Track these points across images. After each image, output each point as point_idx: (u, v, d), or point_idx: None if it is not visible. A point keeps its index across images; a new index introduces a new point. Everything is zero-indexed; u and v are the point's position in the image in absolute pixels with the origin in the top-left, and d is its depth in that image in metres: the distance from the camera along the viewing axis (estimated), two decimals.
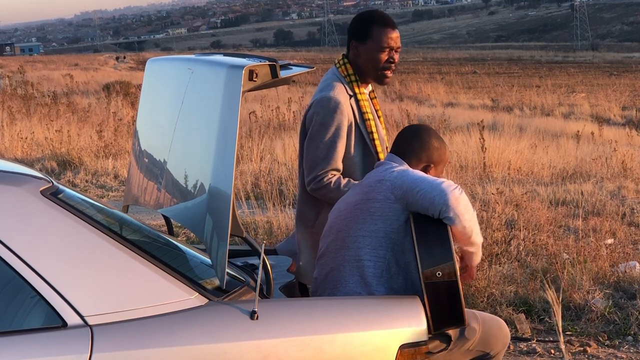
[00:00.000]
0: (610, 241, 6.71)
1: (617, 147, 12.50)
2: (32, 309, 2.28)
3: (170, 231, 3.54)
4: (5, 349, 2.21)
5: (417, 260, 2.70)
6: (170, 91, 3.20)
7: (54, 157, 11.59)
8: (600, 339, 4.94)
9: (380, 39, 3.51)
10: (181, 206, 3.00)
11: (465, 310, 2.76)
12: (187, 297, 2.38)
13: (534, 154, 12.34)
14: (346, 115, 3.47)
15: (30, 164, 10.25)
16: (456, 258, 2.76)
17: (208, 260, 2.70)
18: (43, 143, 12.59)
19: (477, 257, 2.99)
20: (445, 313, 2.70)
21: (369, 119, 3.54)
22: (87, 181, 10.45)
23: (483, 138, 10.77)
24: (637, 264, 5.95)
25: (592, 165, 11.49)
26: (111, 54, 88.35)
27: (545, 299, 4.36)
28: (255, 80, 2.66)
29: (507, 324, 3.32)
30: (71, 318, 2.26)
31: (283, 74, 2.78)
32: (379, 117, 3.66)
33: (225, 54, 3.10)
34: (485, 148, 10.66)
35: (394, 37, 3.54)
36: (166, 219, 3.51)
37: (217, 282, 2.54)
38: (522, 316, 5.10)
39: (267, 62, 2.72)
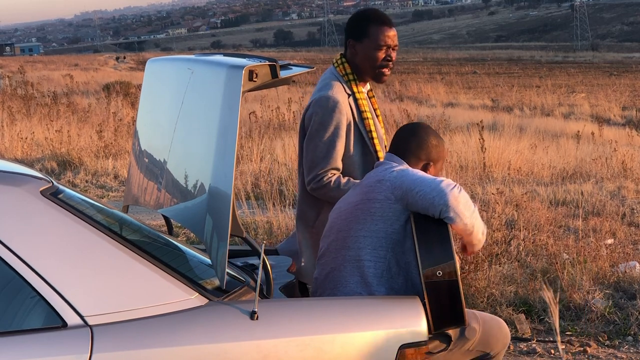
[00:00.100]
0: (610, 241, 6.71)
1: (617, 147, 12.50)
2: (32, 309, 2.28)
3: (170, 231, 3.54)
4: (5, 349, 2.21)
5: (418, 259, 2.70)
6: (170, 91, 3.20)
7: (54, 157, 11.59)
8: (600, 339, 4.94)
9: (377, 37, 3.52)
10: (181, 206, 2.99)
11: (466, 310, 2.76)
12: (187, 297, 2.38)
13: (534, 154, 12.34)
14: (345, 114, 3.47)
15: (30, 164, 10.25)
16: (456, 258, 2.76)
17: (208, 260, 2.70)
18: (43, 143, 12.59)
19: (479, 246, 2.98)
20: (446, 312, 2.71)
21: (367, 118, 3.54)
22: (87, 181, 10.45)
23: (483, 138, 10.78)
24: (637, 264, 5.95)
25: (592, 165, 11.49)
26: (111, 54, 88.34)
27: (553, 299, 4.36)
28: (255, 81, 2.66)
29: (507, 324, 3.32)
30: (71, 318, 2.26)
31: (283, 74, 2.78)
32: (377, 116, 3.67)
33: (225, 54, 3.10)
34: (485, 148, 10.66)
35: (391, 35, 3.54)
36: (166, 219, 3.51)
37: (217, 282, 2.54)
38: (522, 316, 5.10)
39: (267, 62, 2.72)
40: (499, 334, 3.15)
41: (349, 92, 3.54)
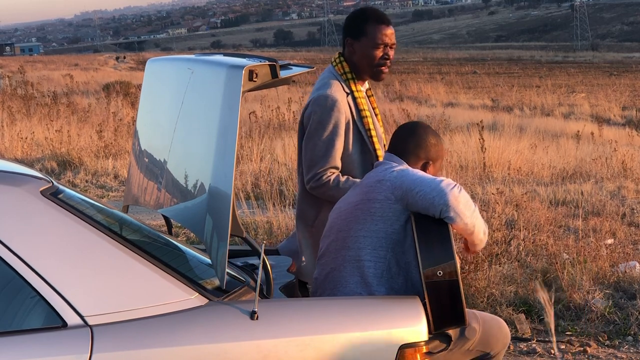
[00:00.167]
0: (610, 241, 6.71)
1: (617, 147, 12.50)
2: (32, 309, 2.28)
3: (170, 231, 3.54)
4: (5, 349, 2.21)
5: (418, 259, 2.70)
6: (170, 91, 3.20)
7: (54, 157, 11.59)
8: (600, 339, 4.94)
9: (374, 35, 3.52)
10: (181, 206, 2.99)
11: (466, 310, 2.76)
12: (187, 297, 2.38)
13: (534, 154, 12.34)
14: (343, 112, 3.48)
15: (30, 164, 10.25)
16: (457, 258, 2.76)
17: (208, 260, 2.70)
18: (43, 143, 12.59)
19: (481, 246, 2.99)
20: (446, 312, 2.71)
21: (366, 116, 3.54)
22: (87, 181, 10.45)
23: (483, 138, 10.78)
24: (637, 264, 5.95)
25: (592, 165, 11.49)
26: (111, 54, 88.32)
27: (548, 300, 4.37)
28: (255, 80, 2.66)
29: (507, 324, 3.32)
30: (71, 318, 2.26)
31: (283, 74, 2.78)
32: (376, 115, 3.67)
33: (225, 54, 3.10)
34: (485, 148, 10.66)
35: (389, 33, 3.55)
36: (166, 219, 3.51)
37: (217, 282, 2.54)
38: (522, 316, 5.10)
39: (267, 62, 2.72)
40: (499, 334, 3.15)
41: (348, 91, 3.54)
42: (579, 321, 5.13)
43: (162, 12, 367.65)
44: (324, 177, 3.44)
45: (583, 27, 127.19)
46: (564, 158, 12.42)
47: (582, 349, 4.82)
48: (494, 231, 6.43)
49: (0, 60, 55.87)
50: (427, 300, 2.66)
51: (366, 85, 3.68)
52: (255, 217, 7.55)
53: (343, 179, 3.45)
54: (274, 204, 7.69)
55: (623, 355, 4.75)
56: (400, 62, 64.41)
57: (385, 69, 3.57)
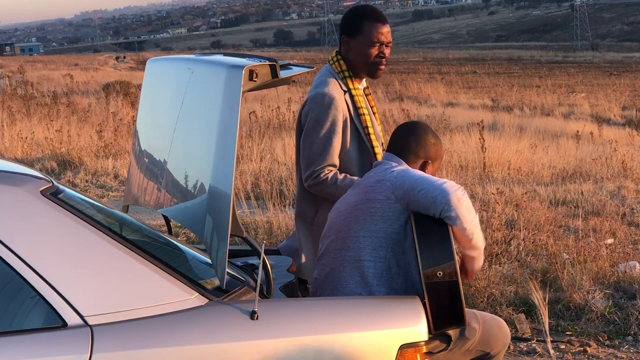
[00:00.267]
0: (610, 241, 6.71)
1: (617, 147, 12.50)
2: (32, 309, 2.28)
3: (170, 231, 3.54)
4: (5, 349, 2.21)
5: (418, 260, 2.70)
6: (170, 91, 3.20)
7: (54, 157, 11.59)
8: (600, 339, 4.94)
9: (370, 33, 3.53)
10: (181, 206, 2.99)
11: (466, 310, 2.76)
12: (187, 297, 2.38)
13: (534, 154, 12.34)
14: (341, 110, 3.48)
15: (30, 164, 10.24)
16: (457, 258, 2.76)
17: (208, 260, 2.70)
18: (43, 143, 12.59)
19: (478, 263, 2.97)
20: (446, 313, 2.71)
21: (363, 114, 3.55)
22: (87, 181, 10.45)
23: (483, 138, 10.78)
24: (637, 264, 5.95)
25: (592, 165, 11.49)
26: (111, 54, 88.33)
27: (544, 299, 4.38)
28: (255, 80, 2.66)
29: (507, 324, 3.32)
30: (71, 318, 2.26)
31: (283, 74, 2.78)
32: (374, 113, 3.68)
33: (225, 54, 3.10)
34: (485, 148, 10.66)
35: (384, 31, 3.55)
36: (166, 219, 3.51)
37: (217, 282, 2.54)
38: (522, 316, 5.10)
39: (267, 62, 2.72)
40: (499, 334, 3.15)
41: (345, 89, 3.55)
42: (579, 321, 5.13)
43: (162, 12, 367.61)
44: (322, 175, 3.44)
45: (583, 27, 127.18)
46: (564, 158, 12.42)
47: (582, 349, 4.82)
48: (494, 231, 6.43)
49: (0, 60, 55.86)
50: (426, 301, 2.65)
51: (364, 83, 3.68)
52: (255, 217, 7.55)
53: (341, 176, 3.45)
54: (274, 204, 7.69)
55: (623, 355, 4.75)
56: (400, 62, 64.41)
57: (381, 67, 3.58)
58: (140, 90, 4.05)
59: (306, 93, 3.70)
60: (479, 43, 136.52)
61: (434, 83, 36.53)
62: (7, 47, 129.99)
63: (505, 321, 3.36)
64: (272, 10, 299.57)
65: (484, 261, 5.56)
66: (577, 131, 15.66)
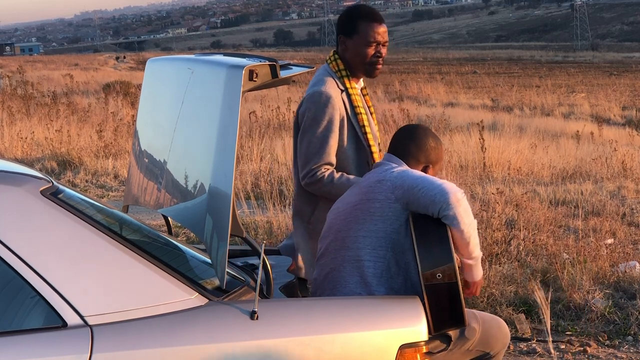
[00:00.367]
0: (610, 241, 6.71)
1: (617, 147, 12.51)
2: (32, 309, 2.28)
3: (170, 231, 3.54)
4: (5, 349, 2.21)
5: (417, 261, 2.69)
6: (170, 91, 3.20)
7: (54, 157, 11.59)
8: (600, 339, 4.94)
9: (367, 33, 3.54)
10: (181, 206, 3.00)
11: (466, 310, 2.76)
12: (187, 297, 2.38)
13: (534, 154, 12.34)
14: (338, 109, 3.49)
15: (30, 164, 10.24)
16: (456, 258, 2.76)
17: (208, 260, 2.70)
18: (43, 143, 12.59)
19: (477, 272, 2.96)
20: (446, 314, 2.71)
21: (360, 113, 3.56)
22: (87, 181, 10.45)
23: (483, 138, 10.78)
24: (637, 264, 5.95)
25: (592, 165, 11.49)
26: (111, 54, 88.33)
27: (544, 299, 4.38)
28: (255, 80, 2.66)
29: (507, 324, 3.32)
30: (71, 318, 2.26)
31: (283, 74, 2.78)
32: (371, 113, 3.68)
33: (225, 54, 3.10)
34: (485, 148, 10.67)
35: (381, 31, 3.56)
36: (166, 219, 3.51)
37: (217, 282, 2.54)
38: (522, 316, 5.10)
39: (267, 62, 2.72)
40: (498, 334, 3.15)
41: (342, 88, 3.56)
42: (579, 321, 5.13)
43: (162, 12, 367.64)
44: (318, 173, 3.44)
45: (583, 27, 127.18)
46: (564, 158, 12.42)
47: (582, 348, 4.82)
48: (493, 231, 6.43)
49: (0, 60, 55.86)
50: (426, 303, 2.65)
51: (361, 83, 3.69)
52: (255, 217, 7.55)
53: (337, 175, 3.45)
54: (274, 204, 7.69)
55: (623, 355, 4.75)
56: (400, 62, 64.41)
57: (378, 66, 3.59)
58: (140, 90, 4.05)
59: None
60: (479, 43, 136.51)
61: (434, 83, 36.53)
62: (7, 47, 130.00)
63: (505, 321, 3.36)
64: (272, 10, 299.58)
65: (484, 261, 5.57)
66: (577, 131, 15.67)
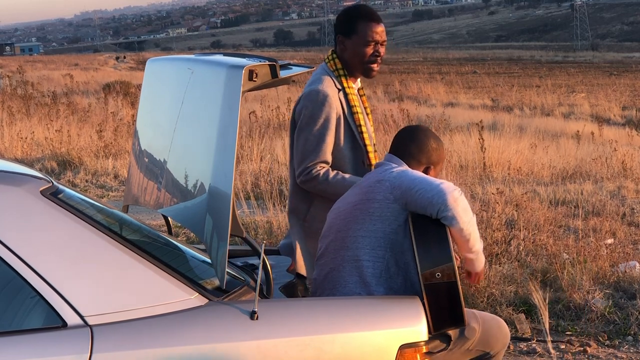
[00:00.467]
0: (610, 241, 6.71)
1: (617, 147, 12.51)
2: (32, 309, 2.28)
3: (170, 231, 3.54)
4: (5, 349, 2.21)
5: (416, 261, 2.69)
6: (170, 91, 3.20)
7: (54, 157, 11.59)
8: (600, 339, 4.94)
9: (365, 33, 3.55)
10: (181, 206, 3.00)
11: (465, 310, 2.76)
12: (187, 297, 2.38)
13: (534, 154, 12.34)
14: (334, 108, 3.49)
15: (30, 164, 10.24)
16: (455, 257, 2.76)
17: (208, 260, 2.70)
18: (43, 143, 12.59)
19: (479, 264, 2.98)
20: (445, 314, 2.71)
21: (357, 112, 3.57)
22: (87, 181, 10.45)
23: (483, 138, 10.78)
24: (637, 264, 5.95)
25: (592, 165, 11.49)
26: (111, 54, 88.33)
27: (544, 299, 4.38)
28: (255, 80, 2.66)
29: (507, 324, 3.32)
30: (71, 318, 2.26)
31: (283, 74, 2.79)
32: (367, 114, 3.69)
33: (225, 54, 3.11)
34: (485, 148, 10.66)
35: (379, 31, 3.57)
36: (166, 219, 3.51)
37: (217, 282, 2.54)
38: (522, 316, 5.10)
39: (267, 62, 2.72)
40: (498, 334, 3.16)
41: (339, 87, 3.57)
42: (579, 321, 5.13)
43: (162, 12, 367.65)
44: (314, 171, 3.45)
45: (583, 27, 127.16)
46: (564, 158, 12.42)
47: (582, 349, 4.82)
48: (493, 231, 6.43)
49: (0, 60, 55.86)
50: (426, 302, 2.65)
51: (358, 83, 3.70)
52: (255, 217, 7.55)
53: (332, 173, 3.45)
54: (274, 204, 7.69)
55: (623, 355, 4.75)
56: (400, 62, 64.41)
57: (375, 66, 3.60)
58: (140, 90, 4.05)
59: None
60: (479, 43, 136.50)
61: (434, 83, 36.53)
62: (7, 47, 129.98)
63: (505, 321, 3.36)
64: (272, 10, 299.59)
65: (485, 262, 5.57)
66: (577, 131, 15.68)
